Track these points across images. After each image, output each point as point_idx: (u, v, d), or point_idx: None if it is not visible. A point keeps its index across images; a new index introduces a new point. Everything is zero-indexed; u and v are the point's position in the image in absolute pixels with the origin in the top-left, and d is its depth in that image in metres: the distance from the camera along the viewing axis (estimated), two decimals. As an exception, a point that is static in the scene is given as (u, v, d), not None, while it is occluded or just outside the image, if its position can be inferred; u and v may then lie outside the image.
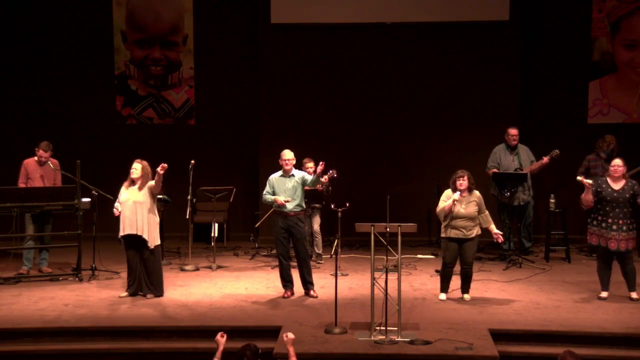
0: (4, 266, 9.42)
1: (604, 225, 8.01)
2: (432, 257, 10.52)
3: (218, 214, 10.52)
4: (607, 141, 10.15)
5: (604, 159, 9.94)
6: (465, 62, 11.70)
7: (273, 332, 6.92)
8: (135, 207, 8.14)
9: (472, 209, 7.97)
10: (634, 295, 8.08)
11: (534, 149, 10.53)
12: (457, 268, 8.18)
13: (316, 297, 8.31)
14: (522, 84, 11.66)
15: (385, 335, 6.80)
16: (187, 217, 9.86)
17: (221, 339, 5.96)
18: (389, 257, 6.90)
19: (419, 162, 11.85)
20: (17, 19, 12.24)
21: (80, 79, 12.29)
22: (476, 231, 8.01)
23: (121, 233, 8.23)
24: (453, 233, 7.97)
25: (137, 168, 8.24)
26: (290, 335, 6.01)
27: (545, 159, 10.21)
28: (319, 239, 10.16)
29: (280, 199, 8.19)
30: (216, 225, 10.12)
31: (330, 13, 11.61)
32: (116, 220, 8.27)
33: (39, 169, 9.38)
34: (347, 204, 9.67)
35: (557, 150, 10.17)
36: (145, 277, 8.24)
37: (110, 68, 12.32)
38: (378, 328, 6.92)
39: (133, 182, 8.25)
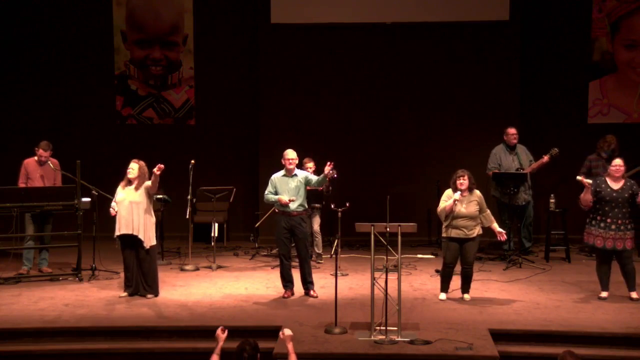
0: (4, 266, 9.42)
1: (602, 225, 8.00)
2: (432, 257, 10.51)
3: (218, 214, 10.52)
4: (607, 141, 10.16)
5: (605, 159, 9.94)
6: (466, 62, 11.69)
7: (273, 332, 6.88)
8: (132, 207, 8.14)
9: (473, 209, 7.97)
10: (633, 295, 8.07)
11: (534, 149, 10.53)
12: (457, 268, 8.18)
13: (316, 297, 8.31)
14: (522, 84, 11.65)
15: (385, 335, 6.80)
16: (187, 217, 9.86)
17: (221, 334, 5.84)
18: (389, 257, 6.90)
19: (419, 162, 11.84)
20: (17, 19, 12.24)
21: (80, 79, 12.28)
22: (477, 231, 8.01)
23: (117, 233, 8.23)
24: (454, 233, 7.97)
25: (134, 168, 8.23)
26: (287, 332, 5.90)
27: (545, 158, 10.22)
28: (319, 238, 10.15)
29: (285, 198, 8.18)
30: (216, 225, 10.12)
31: (330, 13, 11.61)
32: (115, 220, 8.26)
33: (39, 169, 9.37)
34: (347, 204, 9.67)
35: (556, 149, 10.19)
36: (141, 277, 8.25)
37: (110, 68, 12.32)
38: (378, 328, 6.91)
39: (130, 182, 8.25)
